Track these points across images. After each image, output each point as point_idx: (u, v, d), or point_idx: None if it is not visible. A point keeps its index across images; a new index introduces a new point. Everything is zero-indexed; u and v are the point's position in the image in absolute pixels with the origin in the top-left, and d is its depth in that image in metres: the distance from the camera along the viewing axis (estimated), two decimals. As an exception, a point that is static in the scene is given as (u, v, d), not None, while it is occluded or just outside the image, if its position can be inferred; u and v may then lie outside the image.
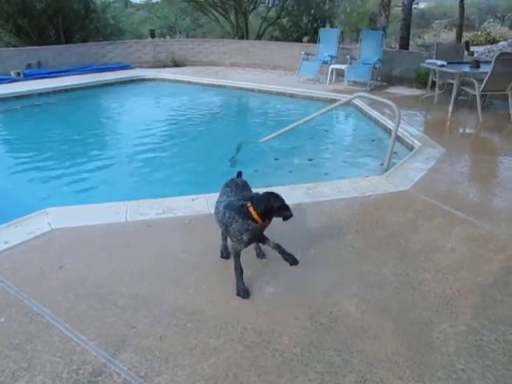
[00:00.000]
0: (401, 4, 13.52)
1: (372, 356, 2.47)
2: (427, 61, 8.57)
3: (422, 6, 36.32)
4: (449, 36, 23.73)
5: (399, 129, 6.48)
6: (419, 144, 6.05)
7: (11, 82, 11.53)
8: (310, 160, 6.52)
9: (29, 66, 12.40)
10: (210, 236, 3.69)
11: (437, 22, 33.18)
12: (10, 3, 13.31)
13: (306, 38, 16.12)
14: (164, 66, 14.51)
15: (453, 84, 7.97)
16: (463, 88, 8.13)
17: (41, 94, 10.68)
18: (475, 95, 7.57)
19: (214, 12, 17.93)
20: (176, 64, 14.73)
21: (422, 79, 10.09)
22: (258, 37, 17.98)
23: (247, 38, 17.27)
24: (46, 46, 13.20)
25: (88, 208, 4.18)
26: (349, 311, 2.82)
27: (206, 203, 4.26)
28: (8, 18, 13.75)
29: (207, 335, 2.60)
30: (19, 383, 2.27)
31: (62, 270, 3.22)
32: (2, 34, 14.93)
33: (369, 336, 2.62)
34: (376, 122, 7.86)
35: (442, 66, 8.02)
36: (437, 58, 8.55)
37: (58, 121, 9.38)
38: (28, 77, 12.00)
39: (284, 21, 18.74)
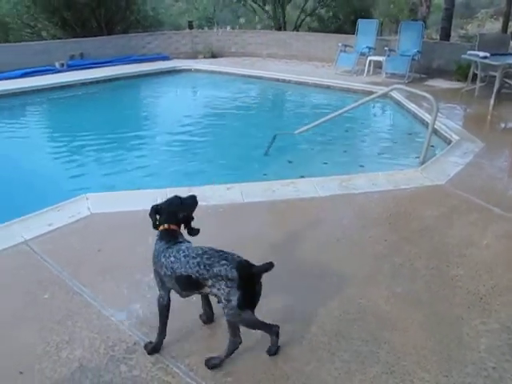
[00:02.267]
0: (443, -7, 13.12)
1: (399, 348, 2.48)
2: (469, 52, 8.31)
3: (468, -6, 34.94)
4: (495, 26, 22.83)
5: (437, 122, 6.36)
6: (457, 138, 5.92)
7: (56, 72, 11.92)
8: (345, 152, 6.49)
9: (72, 57, 12.77)
10: (242, 225, 3.77)
11: (482, 11, 31.97)
12: (57, -3, 13.78)
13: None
14: (201, 57, 14.63)
15: (495, 77, 7.70)
16: (507, 81, 7.86)
17: (83, 83, 11.01)
18: (519, 88, 7.31)
19: (251, 3, 17.91)
20: (213, 55, 14.82)
21: (462, 72, 9.78)
22: (296, 28, 17.87)
23: (284, 29, 17.19)
24: (89, 38, 13.56)
25: (126, 194, 4.32)
26: (378, 303, 2.83)
27: (240, 192, 4.34)
28: (54, 12, 14.20)
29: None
30: (62, 354, 2.42)
31: (101, 253, 3.36)
32: (49, 27, 15.43)
33: (397, 328, 2.63)
34: (413, 115, 7.71)
35: (485, 57, 7.76)
36: (479, 50, 8.28)
37: (99, 110, 9.68)
38: (71, 67, 12.37)
39: (322, 11, 18.53)
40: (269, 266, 2.16)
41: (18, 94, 9.93)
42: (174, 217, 2.39)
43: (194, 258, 2.19)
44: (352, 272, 3.16)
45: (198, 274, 2.16)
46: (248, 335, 2.52)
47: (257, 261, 3.04)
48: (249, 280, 2.14)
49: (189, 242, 2.39)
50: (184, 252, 2.23)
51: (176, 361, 2.37)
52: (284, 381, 2.26)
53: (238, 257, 2.21)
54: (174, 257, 2.22)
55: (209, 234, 3.60)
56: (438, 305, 2.84)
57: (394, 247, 3.46)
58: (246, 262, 2.20)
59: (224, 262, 2.14)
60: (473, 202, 4.21)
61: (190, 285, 2.24)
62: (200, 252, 2.21)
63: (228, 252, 2.23)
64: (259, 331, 2.38)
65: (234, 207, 4.12)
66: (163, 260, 2.26)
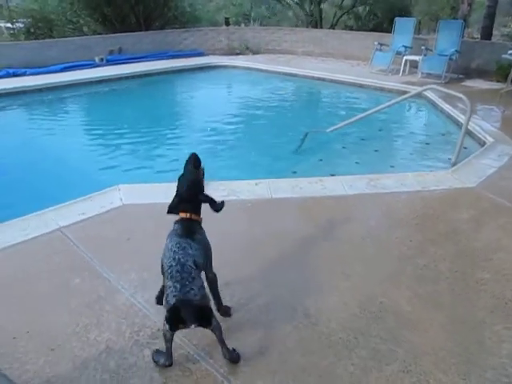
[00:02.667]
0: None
1: (418, 348, 2.48)
2: (510, 52, 8.07)
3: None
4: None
5: (472, 124, 6.25)
6: (492, 140, 5.78)
7: (95, 67, 12.28)
8: (376, 151, 6.44)
9: (111, 52, 13.12)
10: (269, 220, 3.83)
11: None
12: (99, -6, 14.18)
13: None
14: (237, 54, 14.73)
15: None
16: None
17: (120, 78, 11.31)
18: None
19: (288, 0, 17.88)
20: (249, 52, 14.91)
21: (503, 72, 9.49)
22: (332, 26, 17.72)
23: (321, 27, 17.08)
24: (127, 33, 13.88)
25: (157, 186, 4.44)
26: (399, 303, 2.84)
27: (268, 188, 4.40)
28: (96, 8, 14.60)
29: (258, 312, 2.74)
30: (90, 335, 2.56)
31: (130, 242, 3.49)
32: (90, 23, 15.86)
33: (417, 328, 2.63)
34: (448, 115, 7.56)
35: (528, 57, 7.53)
36: (523, 50, 8.03)
37: (135, 103, 9.94)
38: (110, 62, 12.71)
39: (360, 9, 18.29)
40: (202, 324, 2.17)
41: (60, 88, 10.29)
42: None
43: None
44: (375, 271, 3.17)
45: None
46: (264, 329, 2.59)
47: (281, 257, 3.11)
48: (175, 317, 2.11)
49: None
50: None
51: (197, 348, 2.46)
52: (300, 373, 2.31)
53: (183, 303, 2.10)
54: None
55: (237, 228, 3.70)
56: (461, 307, 2.82)
57: (419, 248, 3.44)
58: (184, 312, 2.10)
59: (173, 288, 2.13)
60: (504, 206, 4.13)
61: None
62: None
63: (186, 284, 2.13)
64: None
65: (261, 202, 4.19)
66: None
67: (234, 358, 2.36)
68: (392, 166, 5.74)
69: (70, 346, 2.49)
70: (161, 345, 2.45)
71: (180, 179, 2.52)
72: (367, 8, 17.97)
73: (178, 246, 2.29)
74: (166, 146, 6.99)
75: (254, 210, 4.07)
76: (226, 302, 2.75)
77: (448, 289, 2.99)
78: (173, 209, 2.47)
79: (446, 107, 7.71)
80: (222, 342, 2.32)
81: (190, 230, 2.40)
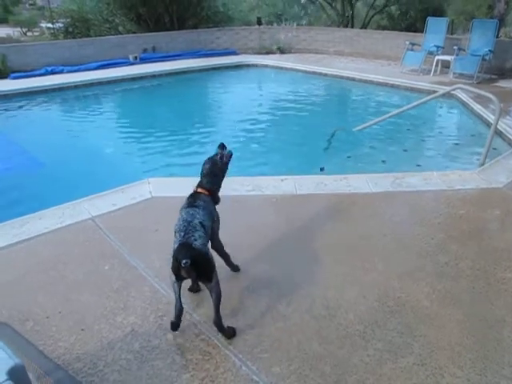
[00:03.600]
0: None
1: (434, 343, 2.52)
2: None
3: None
4: None
5: (503, 124, 6.16)
6: (522, 141, 5.69)
7: (129, 65, 12.62)
8: (405, 151, 6.43)
9: (145, 50, 13.45)
10: (294, 214, 3.91)
11: None
12: (134, -5, 14.58)
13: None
14: (268, 53, 14.82)
15: None
16: None
17: (154, 76, 11.62)
18: None
19: (320, 0, 17.85)
20: (281, 51, 14.98)
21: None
22: (364, 25, 17.59)
23: (352, 27, 16.98)
24: (161, 32, 14.19)
25: (186, 180, 4.54)
26: (418, 298, 2.87)
27: (293, 184, 4.48)
28: (131, 8, 14.99)
29: (278, 302, 2.82)
30: (117, 318, 2.70)
31: (158, 233, 3.63)
32: (125, 22, 16.27)
33: (434, 323, 2.66)
34: (478, 116, 7.44)
35: None
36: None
37: (168, 100, 10.18)
38: (144, 60, 13.03)
39: (393, 9, 18.08)
40: (191, 276, 2.38)
41: (95, 85, 10.66)
42: None
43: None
44: (395, 267, 3.21)
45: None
46: (284, 318, 2.68)
47: (303, 250, 3.20)
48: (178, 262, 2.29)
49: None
50: None
51: (217, 334, 2.56)
52: (316, 361, 2.38)
53: (183, 244, 2.35)
54: None
55: (262, 220, 3.79)
56: (480, 305, 2.83)
57: (441, 246, 3.45)
58: (182, 251, 2.31)
59: (178, 236, 2.43)
60: (530, 207, 4.08)
61: None
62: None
63: (188, 233, 2.40)
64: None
65: (286, 198, 4.28)
66: None
67: (223, 330, 2.51)
68: (419, 165, 5.71)
69: (99, 327, 2.63)
70: (182, 330, 2.57)
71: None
72: (400, 8, 17.73)
73: (187, 212, 2.57)
74: (195, 142, 7.16)
75: (278, 206, 4.15)
76: (248, 294, 2.85)
77: (468, 286, 3.00)
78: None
79: (477, 108, 7.59)
80: (216, 307, 2.46)
81: (195, 201, 2.66)
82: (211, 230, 2.70)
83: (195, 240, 2.37)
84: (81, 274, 3.13)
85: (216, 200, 2.83)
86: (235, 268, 3.09)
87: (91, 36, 14.33)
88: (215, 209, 2.81)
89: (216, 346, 2.49)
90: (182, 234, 2.40)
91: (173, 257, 2.36)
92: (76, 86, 10.41)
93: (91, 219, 3.84)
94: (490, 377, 2.30)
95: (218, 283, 2.46)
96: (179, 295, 2.49)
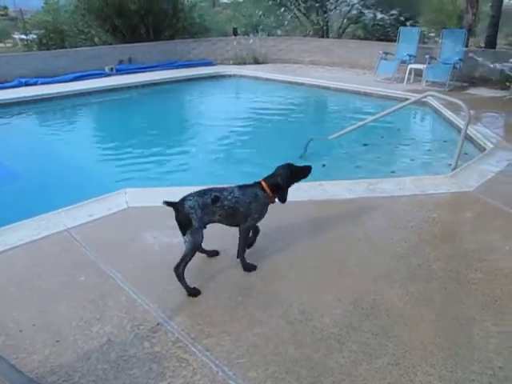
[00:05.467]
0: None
1: (408, 343, 2.57)
2: (511, 60, 8.16)
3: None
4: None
5: (473, 130, 6.35)
6: (491, 146, 5.86)
7: (105, 76, 12.56)
8: (378, 158, 6.55)
9: (121, 61, 13.41)
10: (269, 221, 3.93)
11: (538, 19, 30.77)
12: (109, 6, 14.50)
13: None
14: (245, 63, 14.95)
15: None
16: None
17: (130, 87, 11.58)
18: None
19: (295, 11, 18.09)
20: (257, 61, 15.12)
21: (507, 80, 9.58)
22: (339, 35, 17.87)
23: (327, 37, 17.25)
24: (137, 44, 14.18)
25: (161, 190, 4.59)
26: (391, 300, 2.93)
27: (268, 193, 4.50)
28: (106, 19, 14.95)
29: (255, 308, 2.85)
30: (93, 329, 2.68)
31: (134, 242, 3.63)
32: (101, 33, 16.21)
33: (407, 324, 2.72)
34: (450, 122, 7.64)
35: (528, 65, 7.62)
36: (525, 58, 8.12)
37: (145, 112, 10.15)
38: (120, 72, 12.99)
39: (367, 19, 18.41)
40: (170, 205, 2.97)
41: (70, 97, 10.57)
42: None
43: None
44: (369, 270, 3.27)
45: None
46: (261, 323, 2.70)
47: (278, 256, 3.23)
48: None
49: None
50: None
51: (194, 341, 2.57)
52: (292, 364, 2.41)
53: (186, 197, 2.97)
54: None
55: (236, 229, 3.76)
56: (452, 305, 2.90)
57: (414, 249, 3.53)
58: (181, 200, 2.96)
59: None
60: (499, 209, 4.21)
61: None
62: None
63: (190, 194, 2.98)
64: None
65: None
66: None
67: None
68: (393, 172, 5.83)
69: (74, 338, 2.61)
70: (159, 338, 2.58)
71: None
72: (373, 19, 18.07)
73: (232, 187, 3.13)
74: (172, 153, 7.15)
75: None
76: (224, 301, 2.87)
77: (440, 287, 3.08)
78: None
79: (449, 114, 7.80)
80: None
81: (249, 187, 3.20)
82: (249, 211, 3.12)
83: (189, 200, 2.92)
84: (56, 286, 3.10)
85: (272, 200, 3.24)
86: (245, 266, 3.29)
87: (66, 47, 14.22)
88: (263, 205, 3.20)
89: (193, 352, 2.49)
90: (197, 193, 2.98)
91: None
92: (51, 98, 10.30)
93: (67, 230, 3.81)
94: (461, 373, 2.37)
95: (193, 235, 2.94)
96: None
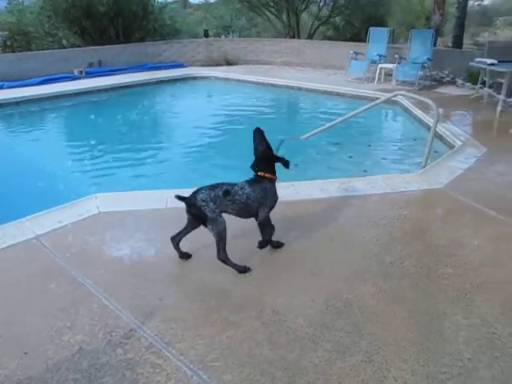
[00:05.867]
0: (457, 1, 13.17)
1: (381, 339, 2.60)
2: (476, 59, 8.38)
3: (486, 2, 34.71)
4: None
5: (442, 128, 6.49)
6: (460, 143, 6.00)
7: (74, 79, 12.33)
8: (350, 157, 6.61)
9: (90, 64, 13.20)
10: (242, 223, 3.92)
11: (501, 19, 31.78)
12: (77, 8, 14.26)
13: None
14: (216, 65, 14.91)
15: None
16: (515, 88, 7.90)
17: (100, 90, 11.40)
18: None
19: (266, 12, 18.19)
20: (228, 63, 15.11)
21: (474, 79, 9.82)
22: (310, 36, 18.05)
23: (299, 38, 17.39)
24: (106, 46, 13.99)
25: (133, 194, 4.54)
26: (364, 298, 2.96)
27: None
28: (74, 21, 14.71)
29: (228, 311, 2.83)
30: (64, 338, 2.62)
31: (105, 248, 3.56)
32: (69, 36, 15.94)
33: (380, 321, 2.75)
34: (420, 121, 7.80)
35: (492, 64, 7.82)
36: (489, 57, 8.33)
37: (115, 115, 10.00)
38: (89, 74, 12.78)
39: (337, 20, 18.68)
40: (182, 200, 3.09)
41: (38, 100, 10.33)
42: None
43: None
44: (342, 269, 3.29)
45: None
46: (234, 326, 2.69)
47: (251, 258, 3.22)
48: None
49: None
50: None
51: (168, 346, 2.54)
52: (267, 366, 2.40)
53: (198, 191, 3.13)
54: None
55: (207, 231, 3.75)
56: (423, 301, 2.95)
57: (386, 247, 3.58)
58: (193, 194, 3.12)
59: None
60: (469, 205, 4.30)
61: None
62: None
63: (202, 188, 3.14)
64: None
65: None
66: None
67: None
68: (365, 171, 5.90)
69: (44, 348, 2.54)
70: (132, 344, 2.54)
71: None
72: (344, 18, 18.36)
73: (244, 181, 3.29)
74: (142, 156, 7.07)
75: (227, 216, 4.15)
76: (197, 304, 2.84)
77: (412, 284, 3.12)
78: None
79: (418, 113, 7.95)
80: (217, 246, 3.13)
81: (256, 182, 3.30)
82: (263, 200, 3.28)
83: (201, 194, 3.06)
84: (25, 295, 3.02)
85: (275, 178, 3.41)
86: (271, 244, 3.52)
87: (33, 50, 13.92)
88: (274, 192, 3.37)
89: (167, 357, 2.46)
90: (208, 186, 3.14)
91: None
92: (18, 102, 10.05)
93: (36, 238, 3.71)
94: (432, 366, 2.40)
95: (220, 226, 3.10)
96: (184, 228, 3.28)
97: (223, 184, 3.16)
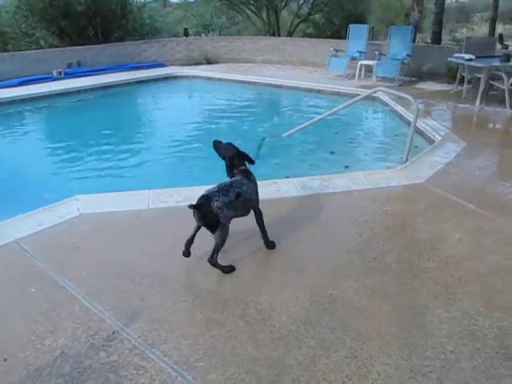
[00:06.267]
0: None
1: (365, 335, 2.62)
2: (455, 55, 8.50)
3: (463, -2, 35.30)
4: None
5: (422, 124, 6.56)
6: (440, 138, 6.07)
7: (53, 80, 12.13)
8: (332, 153, 6.65)
9: (69, 65, 13.00)
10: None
11: (478, 15, 32.33)
12: (54, 7, 14.02)
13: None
14: (197, 64, 14.84)
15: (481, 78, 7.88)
16: (493, 83, 8.02)
17: (79, 91, 11.23)
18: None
19: (246, 10, 18.17)
20: (209, 61, 15.05)
21: (452, 74, 9.96)
22: (290, 33, 18.09)
23: (279, 35, 17.41)
24: (85, 46, 13.79)
25: (114, 195, 4.48)
26: (348, 294, 2.98)
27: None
28: (52, 21, 14.46)
29: (212, 310, 2.82)
30: (45, 342, 2.58)
31: (87, 250, 3.52)
32: (47, 36, 15.68)
33: (364, 317, 2.77)
34: (400, 117, 7.88)
35: (470, 59, 7.93)
36: (466, 52, 8.45)
37: (95, 116, 9.87)
38: (68, 75, 12.58)
39: (317, 17, 18.76)
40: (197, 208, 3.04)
41: (16, 102, 10.14)
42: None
43: None
44: (326, 266, 3.31)
45: None
46: (218, 325, 2.68)
47: (235, 256, 3.20)
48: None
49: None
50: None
51: (152, 347, 2.52)
52: (252, 364, 2.40)
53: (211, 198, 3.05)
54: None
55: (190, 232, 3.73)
56: (406, 295, 2.98)
57: (368, 242, 3.60)
58: (202, 198, 3.08)
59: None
60: (449, 199, 4.36)
61: None
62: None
63: (213, 193, 3.07)
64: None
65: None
66: None
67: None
68: (346, 167, 5.93)
69: (24, 354, 2.50)
70: (115, 347, 2.51)
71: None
72: (324, 16, 18.44)
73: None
74: (123, 157, 6.99)
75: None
76: (180, 304, 2.83)
77: (394, 278, 3.15)
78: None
79: (399, 109, 8.03)
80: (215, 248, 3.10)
81: (250, 174, 3.38)
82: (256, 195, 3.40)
83: (212, 195, 3.04)
84: (5, 300, 2.97)
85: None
86: (268, 245, 3.53)
87: (9, 50, 13.66)
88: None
89: (151, 359, 2.44)
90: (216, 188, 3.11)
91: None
92: (-6, 104, 9.86)
93: (15, 242, 3.64)
94: (415, 360, 2.43)
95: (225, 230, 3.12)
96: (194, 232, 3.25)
97: (231, 185, 3.15)
